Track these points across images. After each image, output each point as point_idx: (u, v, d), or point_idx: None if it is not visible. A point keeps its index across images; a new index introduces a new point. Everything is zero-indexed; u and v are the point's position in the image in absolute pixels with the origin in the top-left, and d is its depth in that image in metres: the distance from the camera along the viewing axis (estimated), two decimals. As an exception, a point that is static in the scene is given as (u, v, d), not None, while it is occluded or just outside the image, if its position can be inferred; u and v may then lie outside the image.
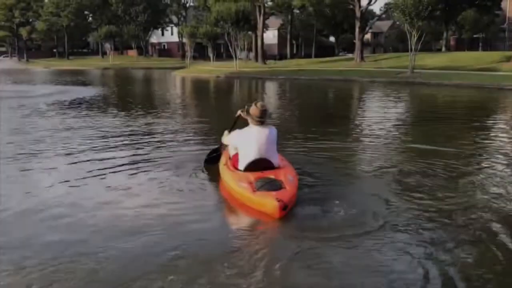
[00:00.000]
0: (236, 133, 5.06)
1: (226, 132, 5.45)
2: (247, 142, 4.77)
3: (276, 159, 4.84)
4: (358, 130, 9.71)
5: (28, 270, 3.16)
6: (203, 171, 5.59)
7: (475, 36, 53.53)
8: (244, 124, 4.99)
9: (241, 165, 4.77)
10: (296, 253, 3.40)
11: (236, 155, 5.01)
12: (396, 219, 4.09)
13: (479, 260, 3.41)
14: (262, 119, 4.77)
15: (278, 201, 3.92)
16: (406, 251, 3.46)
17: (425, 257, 3.36)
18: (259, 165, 4.65)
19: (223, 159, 5.24)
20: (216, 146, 5.91)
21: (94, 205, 4.47)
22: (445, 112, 13.37)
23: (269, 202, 3.99)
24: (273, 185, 4.25)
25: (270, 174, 4.48)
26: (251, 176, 4.46)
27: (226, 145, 5.46)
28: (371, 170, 5.90)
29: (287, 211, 3.99)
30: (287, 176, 4.50)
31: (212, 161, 5.66)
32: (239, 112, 5.15)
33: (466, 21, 47.59)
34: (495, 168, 6.05)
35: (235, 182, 4.53)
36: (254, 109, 4.80)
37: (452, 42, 48.29)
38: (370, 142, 7.97)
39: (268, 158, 4.72)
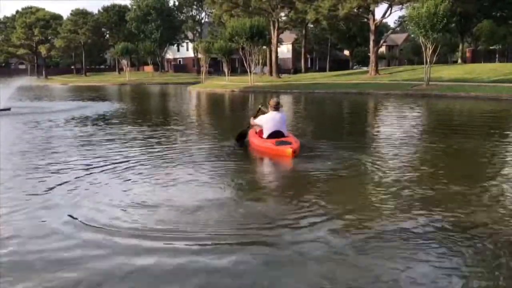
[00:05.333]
0: (263, 116, 8.30)
1: (252, 118, 8.69)
2: (269, 121, 8.04)
3: (285, 131, 8.12)
4: (378, 143, 9.69)
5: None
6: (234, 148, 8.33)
7: (491, 47, 53.09)
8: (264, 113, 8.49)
9: (265, 135, 8.03)
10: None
11: (261, 131, 8.25)
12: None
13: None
14: (277, 107, 8.10)
15: (291, 148, 7.22)
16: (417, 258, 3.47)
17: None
18: (275, 134, 7.89)
19: (252, 133, 8.55)
20: (242, 130, 8.85)
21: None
22: (465, 124, 13.25)
23: (286, 150, 7.23)
24: (286, 143, 7.47)
25: (284, 139, 7.69)
26: (273, 140, 7.68)
27: (253, 126, 8.63)
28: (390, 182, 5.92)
29: (295, 155, 7.14)
30: (293, 140, 7.77)
31: (240, 139, 8.70)
32: (259, 106, 9.06)
33: (482, 33, 47.25)
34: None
35: (263, 143, 7.88)
36: (271, 102, 8.19)
37: (468, 54, 47.86)
38: (394, 156, 7.95)
39: (281, 130, 7.97)
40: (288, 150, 7.14)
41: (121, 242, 3.94)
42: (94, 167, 6.81)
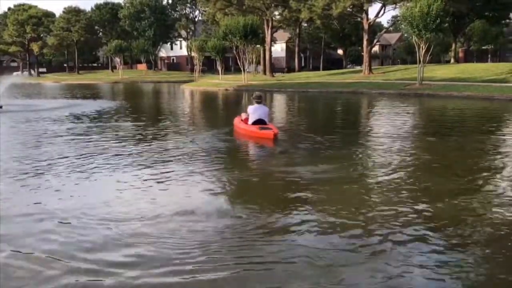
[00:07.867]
0: (250, 107, 10.04)
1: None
2: (253, 111, 9.90)
3: (267, 120, 9.95)
4: (370, 139, 9.71)
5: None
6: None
7: (483, 47, 53.46)
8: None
9: (250, 121, 9.86)
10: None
11: (246, 118, 10.13)
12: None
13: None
14: (258, 100, 10.07)
15: (272, 132, 9.04)
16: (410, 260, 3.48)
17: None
18: (259, 122, 9.73)
19: (237, 120, 10.60)
20: None
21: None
22: (457, 124, 13.31)
23: (268, 132, 9.10)
24: (268, 129, 9.31)
25: (266, 126, 9.53)
26: (257, 126, 9.52)
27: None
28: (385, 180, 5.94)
29: (275, 138, 8.95)
30: (273, 127, 9.59)
31: None
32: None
33: (475, 33, 47.57)
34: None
35: (249, 128, 9.72)
36: (253, 95, 10.28)
37: (460, 54, 48.14)
38: (388, 155, 7.98)
39: (263, 119, 9.83)
40: (270, 133, 9.04)
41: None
42: (65, 168, 6.77)
